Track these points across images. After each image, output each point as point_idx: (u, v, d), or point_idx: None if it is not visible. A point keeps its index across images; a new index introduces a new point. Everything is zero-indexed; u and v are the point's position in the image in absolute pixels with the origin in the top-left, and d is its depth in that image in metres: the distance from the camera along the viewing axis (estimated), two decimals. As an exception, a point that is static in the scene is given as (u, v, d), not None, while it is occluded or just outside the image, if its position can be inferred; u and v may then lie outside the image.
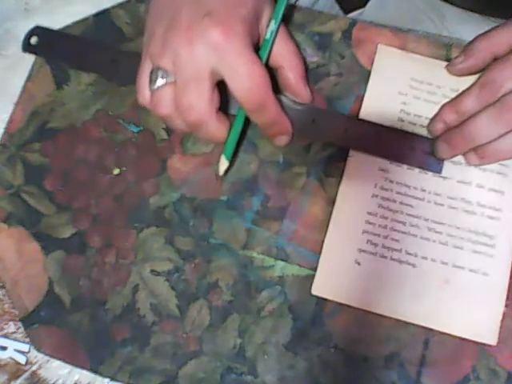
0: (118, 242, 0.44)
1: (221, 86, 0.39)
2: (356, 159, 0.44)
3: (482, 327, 0.42)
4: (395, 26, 0.47)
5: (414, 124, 0.45)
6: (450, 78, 0.45)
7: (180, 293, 0.43)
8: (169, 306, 0.43)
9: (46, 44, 0.47)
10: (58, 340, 0.43)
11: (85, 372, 0.43)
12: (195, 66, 0.37)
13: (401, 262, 0.43)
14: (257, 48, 0.40)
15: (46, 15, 0.49)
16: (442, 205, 0.43)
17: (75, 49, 0.47)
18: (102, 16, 0.48)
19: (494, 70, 0.40)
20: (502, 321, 0.42)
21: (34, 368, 0.44)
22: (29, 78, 0.48)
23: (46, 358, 0.44)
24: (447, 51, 0.46)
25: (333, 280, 0.43)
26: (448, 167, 0.44)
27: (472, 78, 0.44)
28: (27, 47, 0.47)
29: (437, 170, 0.44)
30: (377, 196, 0.44)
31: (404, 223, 0.43)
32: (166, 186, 0.45)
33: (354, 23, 0.47)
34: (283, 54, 0.42)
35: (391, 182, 0.44)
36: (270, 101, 0.39)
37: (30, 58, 0.48)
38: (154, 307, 0.43)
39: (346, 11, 0.67)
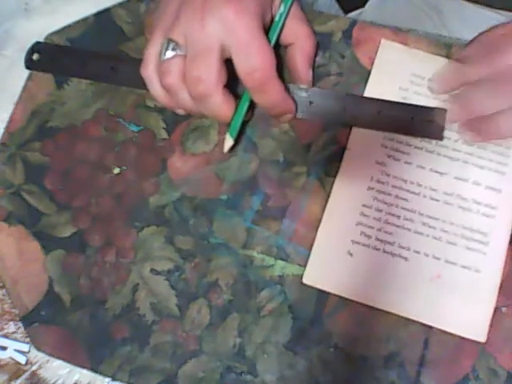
0: (118, 241, 0.44)
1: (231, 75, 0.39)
2: (353, 152, 0.44)
3: (471, 324, 0.42)
4: (395, 25, 0.47)
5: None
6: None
7: (180, 292, 0.43)
8: (169, 305, 0.43)
9: (48, 59, 0.47)
10: (58, 339, 0.43)
11: (85, 372, 0.43)
12: (206, 40, 0.38)
13: (393, 254, 0.43)
14: (268, 29, 0.41)
15: (46, 15, 0.49)
16: (438, 200, 0.43)
17: (76, 60, 0.47)
18: (103, 15, 0.49)
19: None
20: (502, 321, 0.42)
21: (34, 368, 0.44)
22: (29, 78, 0.48)
23: (46, 358, 0.44)
24: (447, 51, 0.46)
25: (324, 270, 0.43)
26: (446, 163, 0.44)
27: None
28: (30, 64, 0.47)
29: (438, 137, 0.44)
30: (372, 189, 0.44)
31: (398, 217, 0.43)
32: (166, 186, 0.45)
33: (354, 23, 0.47)
34: (296, 33, 0.43)
35: (387, 175, 0.44)
36: (273, 81, 0.39)
37: (31, 58, 0.48)
38: (154, 306, 0.43)
39: (346, 11, 0.67)
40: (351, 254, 0.43)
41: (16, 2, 0.50)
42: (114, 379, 0.43)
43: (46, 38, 0.48)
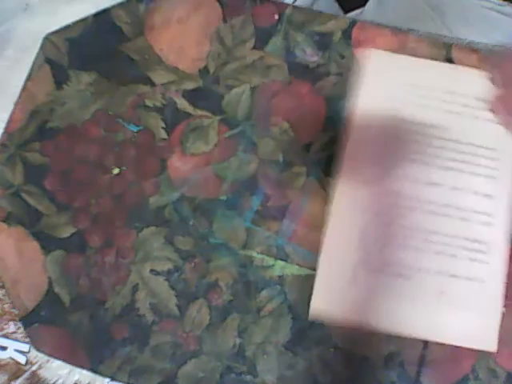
0: (117, 241, 0.44)
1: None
2: (346, 175, 0.44)
3: (480, 334, 0.41)
4: (395, 25, 0.47)
5: (407, 130, 0.44)
6: (442, 80, 0.45)
7: (180, 292, 0.43)
8: (168, 305, 0.43)
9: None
10: (58, 339, 0.43)
11: (85, 372, 0.43)
12: None
13: (396, 275, 0.42)
14: None
15: (46, 15, 0.49)
16: (436, 213, 0.43)
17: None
18: (102, 16, 0.48)
19: None
20: (502, 322, 0.42)
21: (34, 368, 0.44)
22: (29, 78, 0.48)
23: (46, 357, 0.44)
24: (447, 51, 0.46)
25: (330, 300, 0.42)
26: (441, 174, 0.44)
27: (468, 81, 0.44)
28: None
29: None
30: (369, 210, 0.43)
31: (397, 236, 0.43)
32: (165, 186, 0.45)
33: (353, 23, 0.47)
34: None
35: (382, 193, 0.43)
36: None
37: (30, 58, 0.48)
38: (154, 307, 0.43)
39: (346, 11, 0.67)
40: (355, 279, 0.42)
41: (16, 2, 0.50)
42: (113, 379, 0.43)
43: (46, 38, 0.48)
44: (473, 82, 0.45)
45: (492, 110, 0.43)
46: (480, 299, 0.42)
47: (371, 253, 0.42)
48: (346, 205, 0.43)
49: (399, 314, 0.42)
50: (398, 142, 0.44)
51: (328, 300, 0.42)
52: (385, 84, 0.45)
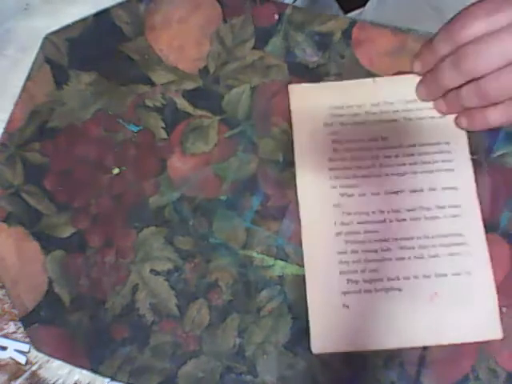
0: (117, 241, 0.44)
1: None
2: (306, 203, 0.44)
3: (482, 325, 0.41)
4: (395, 25, 0.47)
5: (350, 150, 0.44)
6: (365, 94, 0.45)
7: (179, 292, 0.43)
8: (168, 305, 0.43)
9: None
10: (58, 339, 0.43)
11: (85, 372, 0.43)
12: None
13: (386, 290, 0.42)
14: None
15: (46, 15, 0.49)
16: (405, 220, 0.43)
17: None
18: (102, 16, 0.49)
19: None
20: (502, 322, 0.42)
21: (34, 368, 0.44)
22: (29, 78, 0.48)
23: (46, 358, 0.44)
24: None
25: (328, 333, 0.42)
26: (395, 180, 0.44)
27: (390, 88, 0.45)
28: None
29: None
30: (341, 233, 0.43)
31: (376, 251, 0.43)
32: (165, 186, 0.45)
33: (353, 23, 0.47)
34: None
35: (349, 214, 0.43)
36: None
37: (30, 58, 0.48)
38: (154, 307, 0.43)
39: (346, 11, 0.67)
40: (347, 307, 0.42)
41: (16, 2, 0.50)
42: (113, 380, 0.43)
43: (46, 38, 0.48)
44: (395, 88, 0.45)
45: (419, 97, 0.44)
46: (472, 291, 0.42)
47: (355, 275, 0.42)
48: (315, 233, 0.43)
49: (397, 328, 0.41)
50: (343, 162, 0.44)
51: (326, 333, 0.42)
52: (313, 114, 0.45)
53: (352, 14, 0.66)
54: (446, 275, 0.42)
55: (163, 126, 0.46)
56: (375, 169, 0.44)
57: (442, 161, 0.44)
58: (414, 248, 0.42)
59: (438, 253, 0.42)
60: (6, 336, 0.44)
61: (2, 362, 0.44)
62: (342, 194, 0.44)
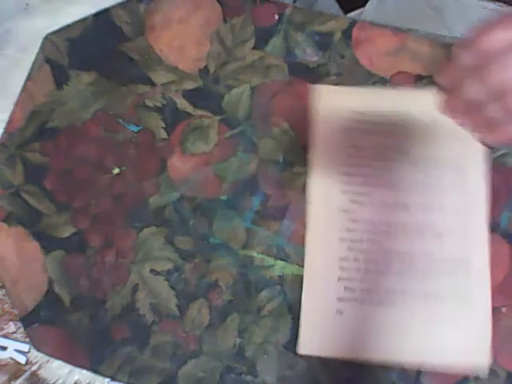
0: (117, 241, 0.44)
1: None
2: (316, 206, 0.44)
3: (472, 353, 0.41)
4: (395, 25, 0.47)
5: (365, 157, 0.44)
6: (388, 104, 0.45)
7: (180, 292, 0.43)
8: (168, 305, 0.43)
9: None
10: (58, 340, 0.43)
11: (85, 372, 0.43)
12: None
13: (381, 302, 0.42)
14: None
15: (46, 15, 0.49)
16: (410, 234, 0.42)
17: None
18: (102, 16, 0.49)
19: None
20: (502, 322, 0.42)
21: (34, 368, 0.44)
22: (29, 78, 0.48)
23: (46, 358, 0.44)
24: (447, 51, 0.46)
25: (317, 336, 0.42)
26: (406, 194, 0.43)
27: (411, 99, 0.45)
28: None
29: None
30: (345, 239, 0.43)
31: (377, 262, 0.42)
32: (165, 186, 0.45)
33: (354, 23, 0.47)
34: None
35: (356, 221, 0.43)
36: None
37: (30, 58, 0.48)
38: (154, 307, 0.43)
39: (346, 11, 0.67)
40: (341, 313, 0.42)
41: (16, 2, 0.50)
42: (113, 380, 0.43)
43: (46, 38, 0.48)
44: (418, 100, 0.45)
45: (443, 112, 0.43)
46: (468, 317, 0.41)
47: (353, 283, 0.42)
48: (320, 236, 0.43)
49: (387, 342, 0.41)
50: (357, 168, 0.44)
51: (316, 336, 0.42)
52: (334, 117, 0.45)
53: (352, 14, 0.66)
54: (443, 295, 0.41)
55: (163, 125, 0.46)
56: (388, 180, 0.44)
57: (454, 180, 0.43)
58: (415, 264, 0.42)
59: (440, 271, 0.42)
60: (6, 336, 0.44)
61: (2, 361, 0.44)
62: (352, 201, 0.43)
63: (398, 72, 0.46)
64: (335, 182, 0.44)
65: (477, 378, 0.41)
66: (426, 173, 0.43)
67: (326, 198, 0.44)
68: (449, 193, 0.43)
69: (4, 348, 0.44)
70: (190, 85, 0.47)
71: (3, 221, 0.45)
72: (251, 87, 0.47)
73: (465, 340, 0.41)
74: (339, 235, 0.43)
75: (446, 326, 0.41)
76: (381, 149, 0.44)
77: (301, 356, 0.42)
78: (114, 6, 0.49)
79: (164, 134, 0.46)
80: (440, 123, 0.44)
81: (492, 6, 0.53)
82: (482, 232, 0.42)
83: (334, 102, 0.45)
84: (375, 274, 0.42)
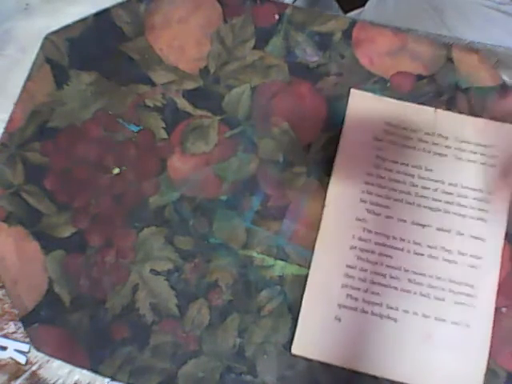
0: (117, 241, 0.44)
1: None
2: (332, 210, 0.44)
3: (466, 379, 0.41)
4: (395, 25, 0.47)
5: (390, 170, 0.44)
6: (424, 122, 0.45)
7: (180, 292, 0.43)
8: (168, 305, 0.43)
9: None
10: (58, 339, 0.43)
11: (85, 372, 0.43)
12: None
13: (382, 316, 0.42)
14: None
15: (46, 15, 0.49)
16: (422, 254, 0.42)
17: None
18: (102, 16, 0.48)
19: None
20: (502, 322, 0.42)
21: (34, 368, 0.44)
22: (29, 78, 0.48)
23: (46, 358, 0.44)
24: (447, 51, 0.46)
25: (313, 338, 0.42)
26: (426, 214, 0.43)
27: (448, 123, 0.44)
28: None
29: None
30: (355, 247, 0.43)
31: (384, 275, 0.42)
32: (165, 186, 0.45)
33: (354, 23, 0.47)
34: None
35: (369, 231, 0.43)
36: None
37: (30, 58, 0.48)
38: (154, 307, 0.43)
39: (346, 11, 0.67)
40: (339, 320, 0.42)
41: (16, 2, 0.50)
42: (113, 379, 0.43)
43: (46, 39, 0.48)
44: (454, 124, 0.45)
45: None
46: (466, 343, 0.41)
47: (356, 292, 0.42)
48: (330, 240, 0.43)
49: (385, 357, 0.41)
50: (380, 179, 0.44)
51: (311, 338, 0.42)
52: (366, 125, 0.45)
53: (352, 14, 0.66)
54: (445, 321, 0.41)
55: (163, 125, 0.46)
56: (410, 196, 0.43)
57: (479, 209, 0.43)
58: (422, 284, 0.42)
59: (445, 297, 0.42)
60: (6, 336, 0.44)
61: (2, 361, 0.44)
62: (369, 211, 0.43)
63: (398, 72, 0.46)
64: (356, 189, 0.44)
65: (477, 378, 0.41)
66: (449, 197, 0.43)
67: (344, 203, 0.44)
68: (470, 219, 0.43)
69: (4, 348, 0.44)
70: (190, 85, 0.47)
71: (3, 221, 0.45)
72: (251, 87, 0.47)
73: (460, 366, 0.41)
74: (350, 243, 0.43)
75: (442, 349, 0.41)
76: (408, 165, 0.44)
77: (301, 356, 0.42)
78: (114, 6, 0.49)
79: (164, 134, 0.46)
80: (475, 151, 0.44)
81: (490, 3, 0.53)
82: (496, 263, 0.42)
83: (368, 110, 0.45)
84: (380, 287, 0.42)
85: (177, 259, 0.44)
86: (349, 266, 0.43)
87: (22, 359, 0.44)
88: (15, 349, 0.44)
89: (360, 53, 0.47)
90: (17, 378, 0.43)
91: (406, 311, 0.42)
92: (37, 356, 0.44)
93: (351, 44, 0.47)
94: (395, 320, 0.42)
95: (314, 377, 0.42)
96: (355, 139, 0.45)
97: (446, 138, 0.44)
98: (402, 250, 0.43)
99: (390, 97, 0.46)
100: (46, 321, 0.43)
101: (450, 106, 0.46)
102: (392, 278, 0.42)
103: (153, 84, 0.47)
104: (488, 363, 0.41)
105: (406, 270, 0.42)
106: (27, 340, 0.44)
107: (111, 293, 0.44)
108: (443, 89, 0.46)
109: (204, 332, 0.43)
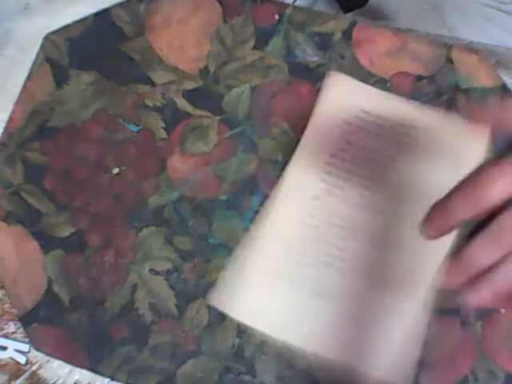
0: (117, 241, 0.44)
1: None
2: (290, 181, 0.44)
3: (395, 367, 0.40)
4: (395, 25, 0.47)
5: (355, 155, 0.44)
6: (398, 113, 0.45)
7: (179, 292, 0.43)
8: (167, 305, 0.43)
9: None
10: (57, 339, 0.43)
11: (85, 372, 0.43)
12: None
13: (316, 293, 0.41)
14: None
15: (46, 15, 0.49)
16: (364, 241, 0.42)
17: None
18: (103, 16, 0.48)
19: None
20: (502, 323, 0.41)
21: (34, 368, 0.44)
22: (29, 77, 0.48)
23: (46, 358, 0.44)
24: (447, 51, 0.46)
25: (233, 294, 0.42)
26: (379, 203, 0.43)
27: (423, 118, 0.44)
28: None
29: None
30: (306, 223, 0.43)
31: (329, 254, 0.42)
32: (165, 186, 0.45)
33: (354, 23, 0.47)
34: None
35: (322, 210, 0.43)
36: None
37: (30, 58, 0.48)
38: (153, 306, 0.43)
39: (346, 11, 0.67)
40: (273, 288, 0.42)
41: (16, 2, 0.50)
42: (112, 379, 0.43)
43: (46, 38, 0.48)
44: (429, 121, 0.45)
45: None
46: (397, 332, 0.41)
47: (296, 264, 0.42)
48: (284, 211, 0.43)
49: (314, 332, 0.41)
50: (343, 163, 0.44)
51: (231, 293, 0.42)
52: (339, 107, 0.45)
53: (352, 14, 0.66)
54: (381, 306, 0.41)
55: (163, 125, 0.46)
56: (370, 183, 0.43)
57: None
58: (364, 269, 0.42)
59: (386, 284, 0.41)
60: (6, 336, 0.44)
61: (1, 361, 0.44)
62: (326, 190, 0.43)
63: (399, 72, 0.46)
64: (317, 169, 0.44)
65: (476, 380, 0.41)
66: (405, 192, 0.43)
67: (303, 180, 0.44)
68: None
69: (4, 348, 0.44)
70: (190, 85, 0.47)
71: (3, 220, 0.45)
72: (251, 87, 0.47)
73: (389, 354, 0.41)
74: (303, 218, 0.43)
75: (375, 334, 0.41)
76: (374, 152, 0.44)
77: (300, 356, 0.42)
78: (114, 6, 0.49)
79: (164, 134, 0.46)
80: (442, 150, 0.44)
81: (490, 2, 0.53)
82: (439, 254, 0.42)
83: (345, 94, 0.45)
84: (323, 265, 0.42)
85: (176, 259, 0.44)
86: (297, 239, 0.42)
87: (22, 359, 0.44)
88: (15, 349, 0.44)
89: (360, 53, 0.47)
90: (17, 378, 0.43)
91: (342, 291, 0.41)
92: (37, 356, 0.44)
93: (351, 44, 0.47)
94: (329, 299, 0.41)
95: (313, 377, 0.42)
96: (326, 120, 0.45)
97: (421, 134, 0.44)
98: (352, 232, 0.42)
99: (390, 97, 0.46)
100: (45, 320, 0.44)
101: (450, 106, 0.45)
102: (337, 257, 0.42)
103: (153, 84, 0.47)
104: (487, 364, 0.41)
105: (352, 253, 0.42)
106: (27, 340, 0.44)
107: (110, 292, 0.44)
108: (443, 89, 0.46)
109: (203, 332, 0.43)
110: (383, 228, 0.43)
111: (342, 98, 0.45)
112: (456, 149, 0.43)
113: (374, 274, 0.42)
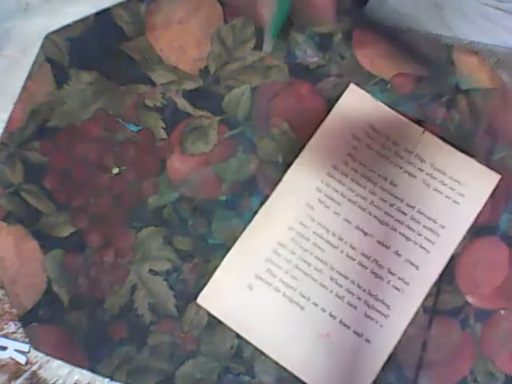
0: (116, 241, 0.44)
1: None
2: (286, 187, 0.44)
3: None
4: (395, 25, 0.47)
5: (356, 171, 0.44)
6: (408, 139, 0.45)
7: (178, 292, 0.43)
8: (167, 305, 0.43)
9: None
10: (57, 339, 0.43)
11: (85, 372, 0.43)
12: None
13: (292, 301, 0.42)
14: None
15: (46, 15, 0.49)
16: (354, 259, 0.42)
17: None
18: (103, 15, 0.48)
19: None
20: (500, 324, 0.41)
21: (34, 368, 0.44)
22: (29, 77, 0.48)
23: (46, 358, 0.44)
24: (448, 52, 0.46)
25: (221, 295, 0.42)
26: (373, 224, 0.43)
27: (431, 148, 0.44)
28: None
29: None
30: (293, 229, 0.43)
31: (309, 264, 0.42)
32: (165, 186, 0.45)
33: (354, 24, 0.47)
34: None
35: (313, 220, 0.43)
36: None
37: (30, 58, 0.48)
38: (152, 307, 0.43)
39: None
40: (250, 288, 0.42)
41: (16, 2, 0.50)
42: (112, 379, 0.43)
43: (46, 38, 0.48)
44: (436, 152, 0.44)
45: None
46: (360, 357, 0.41)
47: (277, 271, 0.42)
48: (273, 214, 0.43)
49: (281, 339, 0.41)
50: (343, 176, 0.44)
51: (218, 294, 0.42)
52: (351, 121, 0.45)
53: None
54: (348, 327, 0.41)
55: (163, 125, 0.46)
56: (364, 202, 0.43)
57: (425, 238, 0.43)
58: (341, 286, 0.42)
59: (358, 306, 0.42)
60: (6, 336, 0.44)
61: (1, 362, 0.44)
62: (321, 201, 0.43)
63: (399, 73, 0.46)
64: (316, 177, 0.44)
65: (475, 381, 0.41)
66: (402, 217, 0.43)
67: (299, 186, 0.44)
68: (415, 246, 0.43)
69: (4, 348, 0.44)
70: (190, 85, 0.47)
71: (2, 220, 0.45)
72: (251, 88, 0.47)
73: (346, 374, 0.41)
74: (291, 223, 0.43)
75: (335, 352, 0.41)
76: (376, 172, 0.44)
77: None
78: (114, 6, 0.49)
79: (164, 134, 0.46)
80: (446, 183, 0.44)
81: (492, 2, 0.53)
82: (420, 293, 0.42)
83: (359, 108, 0.45)
84: (301, 274, 0.42)
85: (175, 259, 0.44)
86: (280, 244, 0.43)
87: (22, 359, 0.44)
88: (15, 349, 0.44)
89: (360, 54, 0.47)
90: (17, 378, 0.44)
91: (315, 304, 0.42)
92: (37, 356, 0.44)
93: (351, 45, 0.47)
94: (302, 308, 0.42)
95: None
96: (334, 130, 0.45)
97: (423, 160, 0.44)
98: (337, 248, 0.43)
99: (391, 98, 0.46)
100: (45, 320, 0.44)
101: (450, 107, 0.45)
102: (316, 269, 0.42)
103: (153, 84, 0.47)
104: (486, 365, 0.41)
105: (332, 268, 0.42)
106: (27, 340, 0.44)
107: (110, 292, 0.44)
108: (443, 90, 0.46)
109: (202, 332, 0.43)
110: (368, 250, 0.43)
111: (355, 112, 0.45)
112: (461, 189, 0.44)
113: (348, 292, 0.42)
